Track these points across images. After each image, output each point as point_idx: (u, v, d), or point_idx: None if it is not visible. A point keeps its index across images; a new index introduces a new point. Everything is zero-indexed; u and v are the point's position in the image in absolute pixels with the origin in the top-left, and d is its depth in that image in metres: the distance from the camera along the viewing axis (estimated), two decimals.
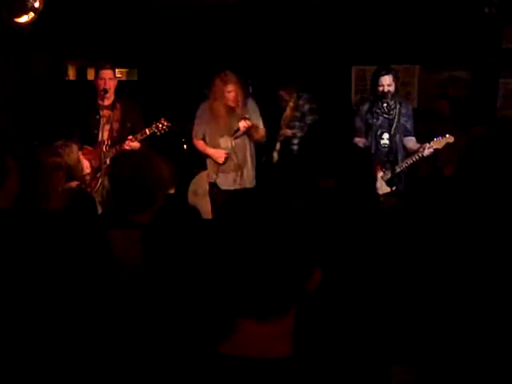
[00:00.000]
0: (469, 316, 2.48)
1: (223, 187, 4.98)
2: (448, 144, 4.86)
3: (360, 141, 5.03)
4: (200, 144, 5.09)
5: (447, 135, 4.86)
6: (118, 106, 4.92)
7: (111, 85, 4.89)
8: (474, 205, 2.97)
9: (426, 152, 4.82)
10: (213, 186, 5.08)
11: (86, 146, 4.77)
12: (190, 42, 7.09)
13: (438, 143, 4.84)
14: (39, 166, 2.99)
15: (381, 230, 2.63)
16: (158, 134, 4.79)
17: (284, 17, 6.90)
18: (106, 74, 4.87)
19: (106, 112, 4.90)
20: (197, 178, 6.10)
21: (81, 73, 7.75)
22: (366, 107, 5.13)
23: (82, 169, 3.57)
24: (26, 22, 5.11)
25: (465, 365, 2.33)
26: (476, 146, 3.18)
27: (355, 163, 2.78)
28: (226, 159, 4.95)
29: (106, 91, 4.84)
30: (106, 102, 4.92)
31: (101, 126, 4.87)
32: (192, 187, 5.90)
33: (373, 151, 4.92)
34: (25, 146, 4.73)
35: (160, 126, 4.77)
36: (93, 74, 7.65)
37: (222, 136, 4.97)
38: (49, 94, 6.69)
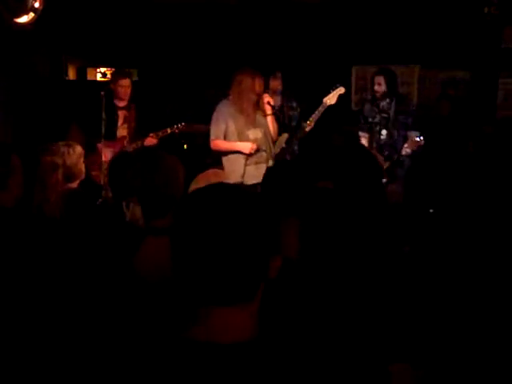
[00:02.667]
0: (469, 315, 2.48)
1: (250, 182, 4.86)
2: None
3: (363, 135, 5.53)
4: (224, 142, 5.01)
5: (418, 139, 5.27)
6: (133, 106, 5.50)
7: (129, 91, 5.46)
8: (475, 204, 2.97)
9: (403, 152, 5.31)
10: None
11: (107, 141, 5.24)
12: (190, 43, 7.09)
13: (410, 145, 5.30)
14: (37, 164, 2.99)
15: (382, 230, 2.63)
16: (177, 133, 5.49)
17: (285, 17, 6.91)
18: (125, 82, 5.42)
19: (122, 112, 5.48)
20: (197, 178, 6.09)
21: (81, 73, 7.75)
22: (365, 107, 5.67)
23: (83, 170, 3.56)
24: (26, 22, 5.12)
25: (465, 364, 2.33)
26: (483, 146, 3.19)
27: (360, 166, 2.78)
28: (257, 150, 4.96)
29: (123, 97, 5.44)
30: (122, 104, 5.46)
31: (119, 125, 5.44)
32: (191, 187, 5.89)
33: (374, 146, 5.44)
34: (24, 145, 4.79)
35: (180, 126, 5.44)
36: (93, 73, 7.68)
37: (249, 129, 5.00)
38: (49, 94, 6.68)
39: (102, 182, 4.88)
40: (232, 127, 4.97)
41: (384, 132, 5.45)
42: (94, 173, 5.04)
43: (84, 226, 2.88)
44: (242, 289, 1.12)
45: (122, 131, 5.44)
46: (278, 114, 5.20)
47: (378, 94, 5.45)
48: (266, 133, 5.02)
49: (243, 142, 4.95)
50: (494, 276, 2.67)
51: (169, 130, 5.41)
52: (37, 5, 5.09)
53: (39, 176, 2.97)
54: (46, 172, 3.01)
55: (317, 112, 5.35)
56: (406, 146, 5.27)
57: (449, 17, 6.63)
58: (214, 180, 5.85)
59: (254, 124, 4.98)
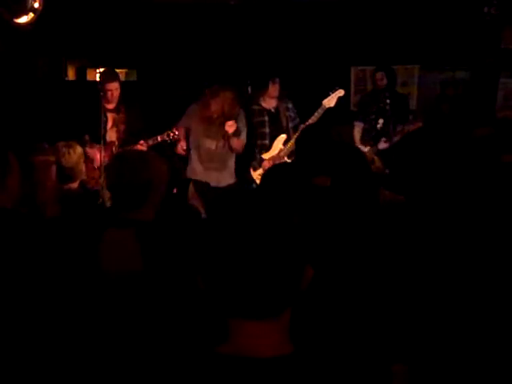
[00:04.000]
0: (468, 316, 2.48)
1: (198, 178, 5.39)
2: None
3: (358, 125, 6.17)
4: (181, 132, 5.33)
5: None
6: (122, 109, 5.26)
7: (117, 94, 5.22)
8: (474, 205, 2.97)
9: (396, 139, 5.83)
10: (199, 183, 5.39)
11: (95, 144, 5.01)
12: (190, 43, 7.09)
13: (409, 128, 5.82)
14: (31, 164, 2.99)
15: (379, 228, 2.63)
16: (168, 141, 5.19)
17: (284, 18, 6.91)
18: (113, 86, 5.17)
19: (111, 115, 5.25)
20: None
21: (80, 73, 7.75)
22: (365, 98, 6.36)
23: (83, 170, 3.57)
24: (26, 22, 5.11)
25: (463, 365, 2.33)
26: (478, 146, 3.19)
27: (352, 163, 2.79)
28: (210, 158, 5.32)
29: (111, 100, 5.22)
30: (111, 106, 5.24)
31: (108, 128, 5.20)
32: (192, 188, 5.90)
33: (371, 133, 5.98)
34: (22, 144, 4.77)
35: (172, 134, 5.16)
36: (92, 74, 7.68)
37: (205, 139, 5.34)
38: (48, 95, 6.68)
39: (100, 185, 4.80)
40: (195, 130, 5.35)
41: (381, 121, 5.88)
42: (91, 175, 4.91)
43: (83, 226, 2.88)
44: (276, 302, 1.09)
45: (111, 135, 5.22)
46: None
47: (379, 87, 6.03)
48: (220, 147, 5.33)
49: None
50: (493, 278, 2.67)
51: (159, 138, 5.14)
52: (36, 5, 5.08)
53: (38, 176, 2.97)
54: (45, 172, 3.01)
55: (316, 114, 5.44)
56: (406, 128, 5.79)
57: (448, 17, 6.63)
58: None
59: (210, 136, 5.31)
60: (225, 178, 5.39)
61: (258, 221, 1.08)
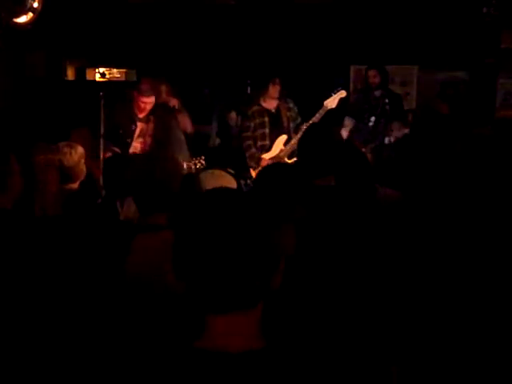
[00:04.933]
0: (466, 315, 2.48)
1: None
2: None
3: (350, 121, 6.15)
4: None
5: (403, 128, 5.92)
6: (152, 119, 5.03)
7: (150, 107, 4.99)
8: (472, 205, 2.97)
9: (386, 141, 5.88)
10: None
11: (114, 148, 4.85)
12: (190, 43, 7.10)
13: (395, 133, 5.91)
14: (32, 163, 2.98)
15: (376, 227, 2.63)
16: (194, 170, 4.81)
17: (283, 17, 6.91)
18: (149, 100, 4.95)
19: (140, 124, 5.03)
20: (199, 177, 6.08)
21: (79, 73, 7.74)
22: (359, 96, 6.35)
23: (84, 170, 3.56)
24: (25, 22, 5.11)
25: (461, 366, 2.33)
26: (475, 147, 3.19)
27: (356, 164, 2.79)
28: None
29: (143, 110, 4.99)
30: (142, 115, 5.03)
31: (135, 137, 5.01)
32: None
33: (361, 130, 6.02)
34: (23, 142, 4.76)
35: (198, 163, 4.85)
36: (92, 74, 7.66)
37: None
38: (48, 95, 6.68)
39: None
40: None
41: (372, 119, 5.96)
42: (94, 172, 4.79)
43: (83, 226, 2.88)
44: (249, 294, 1.11)
45: (136, 145, 5.01)
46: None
47: (373, 85, 5.98)
48: None
49: None
50: (491, 275, 2.68)
51: (185, 166, 4.68)
52: (36, 5, 5.09)
53: (39, 176, 2.97)
54: (45, 172, 3.01)
55: (317, 115, 5.41)
56: (391, 133, 5.84)
57: (447, 17, 6.64)
58: (214, 180, 5.90)
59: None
60: None
61: (231, 216, 1.11)
